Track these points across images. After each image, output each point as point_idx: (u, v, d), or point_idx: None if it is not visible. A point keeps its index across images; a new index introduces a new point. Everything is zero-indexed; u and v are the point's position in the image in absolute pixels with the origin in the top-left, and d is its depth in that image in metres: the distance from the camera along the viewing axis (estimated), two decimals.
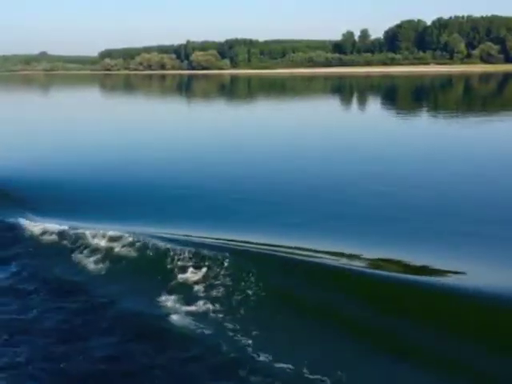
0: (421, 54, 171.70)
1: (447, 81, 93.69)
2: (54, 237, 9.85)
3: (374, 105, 46.58)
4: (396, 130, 25.95)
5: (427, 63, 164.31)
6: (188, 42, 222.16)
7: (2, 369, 5.89)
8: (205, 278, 7.89)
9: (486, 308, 6.77)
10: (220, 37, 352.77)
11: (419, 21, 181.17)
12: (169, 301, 7.52)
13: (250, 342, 6.44)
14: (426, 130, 26.17)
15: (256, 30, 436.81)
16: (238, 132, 25.63)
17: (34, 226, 10.41)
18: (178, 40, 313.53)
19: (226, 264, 7.98)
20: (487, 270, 8.16)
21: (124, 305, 7.55)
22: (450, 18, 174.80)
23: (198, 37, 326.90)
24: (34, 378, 5.82)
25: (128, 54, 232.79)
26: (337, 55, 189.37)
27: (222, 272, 7.90)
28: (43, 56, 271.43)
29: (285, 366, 6.02)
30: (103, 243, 9.25)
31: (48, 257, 9.23)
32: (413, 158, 17.87)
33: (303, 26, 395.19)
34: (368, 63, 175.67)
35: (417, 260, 8.31)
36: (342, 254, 8.42)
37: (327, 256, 8.28)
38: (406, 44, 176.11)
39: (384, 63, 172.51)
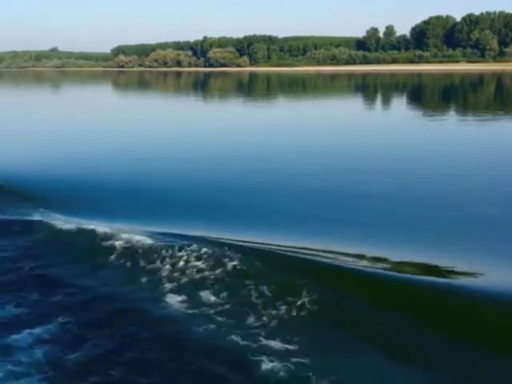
0: (450, 51, 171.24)
1: (478, 80, 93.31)
2: (77, 235, 9.96)
3: (400, 106, 46.68)
4: (413, 132, 25.76)
5: (457, 61, 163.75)
6: (205, 38, 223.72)
7: None
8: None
9: None
10: (237, 33, 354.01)
11: (448, 17, 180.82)
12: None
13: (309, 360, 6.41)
14: (450, 132, 26.05)
15: (275, 26, 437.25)
16: (255, 133, 25.67)
17: (57, 224, 10.50)
18: (193, 36, 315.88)
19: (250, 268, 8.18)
20: None
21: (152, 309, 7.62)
22: (482, 13, 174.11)
23: (214, 33, 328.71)
24: None
25: (141, 51, 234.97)
26: (361, 52, 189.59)
27: (242, 275, 8.06)
28: (54, 52, 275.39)
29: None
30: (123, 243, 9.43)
31: (69, 257, 9.42)
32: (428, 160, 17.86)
33: (324, 22, 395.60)
34: (394, 61, 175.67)
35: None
36: (363, 257, 8.64)
37: (349, 258, 8.54)
38: (433, 41, 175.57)
39: (411, 61, 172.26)
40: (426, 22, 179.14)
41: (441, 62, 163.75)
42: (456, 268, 8.23)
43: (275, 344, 6.60)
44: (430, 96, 58.08)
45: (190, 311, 7.41)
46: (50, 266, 8.99)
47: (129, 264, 8.91)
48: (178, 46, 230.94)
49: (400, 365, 6.31)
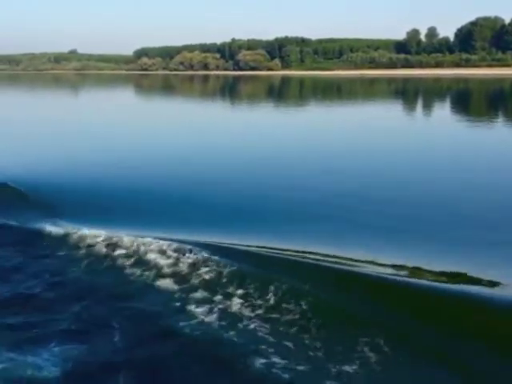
0: (500, 54, 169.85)
1: None
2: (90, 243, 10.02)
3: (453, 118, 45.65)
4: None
5: (508, 65, 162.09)
6: (233, 40, 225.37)
7: None
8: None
9: None
10: (267, 35, 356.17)
11: (496, 18, 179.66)
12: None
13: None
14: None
15: (306, 28, 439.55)
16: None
17: (65, 231, 10.55)
18: (220, 38, 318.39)
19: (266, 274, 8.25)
20: None
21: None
22: None
23: (242, 35, 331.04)
24: None
25: (166, 53, 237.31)
26: (402, 55, 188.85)
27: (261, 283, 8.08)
28: (73, 54, 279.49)
29: None
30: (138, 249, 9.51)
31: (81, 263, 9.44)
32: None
33: (359, 24, 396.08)
34: (438, 64, 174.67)
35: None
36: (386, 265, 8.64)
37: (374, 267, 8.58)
38: (481, 43, 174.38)
39: (457, 64, 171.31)
40: (473, 24, 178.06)
41: (490, 65, 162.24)
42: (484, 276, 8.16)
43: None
44: (490, 106, 57.01)
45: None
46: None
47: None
48: (204, 48, 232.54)
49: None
